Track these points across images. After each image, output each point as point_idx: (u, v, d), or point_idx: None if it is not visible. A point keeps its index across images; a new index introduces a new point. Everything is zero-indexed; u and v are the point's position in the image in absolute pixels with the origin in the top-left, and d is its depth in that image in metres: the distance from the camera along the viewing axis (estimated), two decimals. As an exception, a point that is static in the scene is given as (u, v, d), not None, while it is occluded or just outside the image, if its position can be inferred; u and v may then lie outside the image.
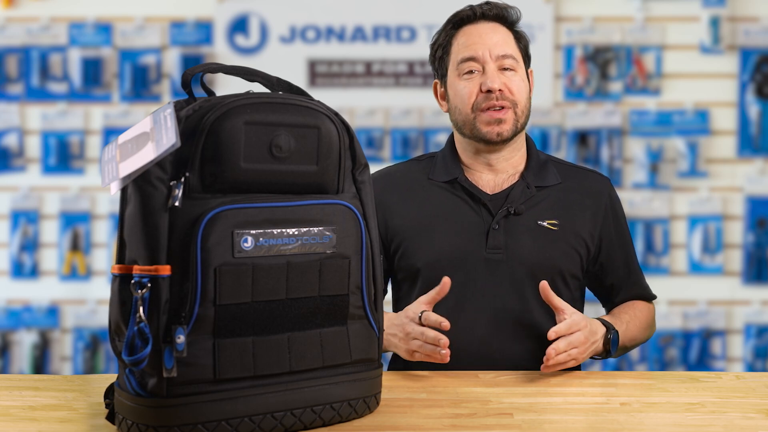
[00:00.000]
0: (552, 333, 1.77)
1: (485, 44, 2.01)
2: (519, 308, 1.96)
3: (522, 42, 2.07)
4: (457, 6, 2.11)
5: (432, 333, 1.77)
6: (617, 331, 1.90)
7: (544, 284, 1.83)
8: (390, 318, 1.89)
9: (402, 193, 2.08)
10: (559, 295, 2.02)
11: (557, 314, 1.82)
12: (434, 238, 2.01)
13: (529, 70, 2.09)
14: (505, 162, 2.07)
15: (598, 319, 1.91)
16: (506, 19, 2.05)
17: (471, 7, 2.07)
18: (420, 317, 1.80)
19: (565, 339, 1.77)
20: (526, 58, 2.08)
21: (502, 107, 1.99)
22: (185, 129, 1.34)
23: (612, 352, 1.88)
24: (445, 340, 1.75)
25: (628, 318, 2.01)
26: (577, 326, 1.79)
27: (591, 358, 1.88)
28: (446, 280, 1.83)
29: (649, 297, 2.12)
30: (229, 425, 1.34)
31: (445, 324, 1.76)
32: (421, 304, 1.83)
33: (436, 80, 2.12)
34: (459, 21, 2.06)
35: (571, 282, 2.04)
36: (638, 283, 2.11)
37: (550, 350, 1.74)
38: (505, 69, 2.01)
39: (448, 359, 1.76)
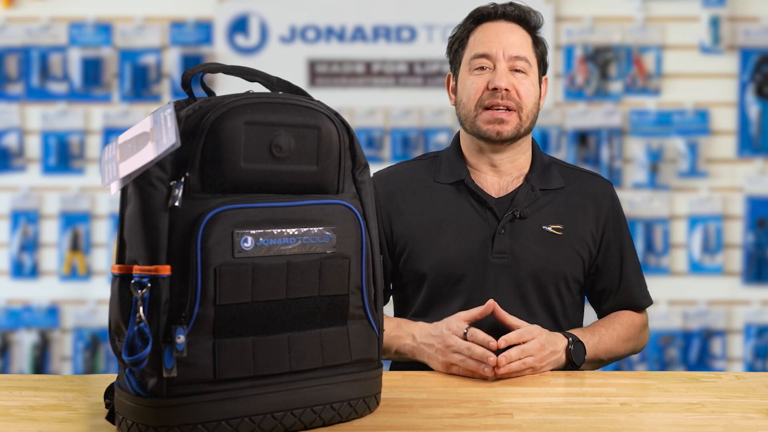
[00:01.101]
0: (501, 341, 1.77)
1: (500, 43, 2.01)
2: (523, 313, 1.95)
3: (539, 48, 2.06)
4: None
5: (480, 350, 1.76)
6: (582, 343, 1.89)
7: (492, 304, 1.84)
8: (424, 328, 1.88)
9: (407, 194, 2.07)
10: (561, 299, 2.02)
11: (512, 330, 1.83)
12: (440, 241, 2.00)
13: (543, 78, 2.09)
14: (510, 164, 2.06)
15: (564, 332, 1.90)
16: (527, 22, 2.04)
17: (494, 4, 2.06)
18: (465, 333, 1.80)
19: (518, 347, 1.77)
20: (542, 65, 2.07)
21: (507, 108, 1.99)
22: (185, 129, 1.34)
23: (576, 363, 1.87)
24: (493, 358, 1.74)
25: (604, 330, 1.98)
26: (530, 335, 1.79)
27: (561, 370, 1.87)
28: (491, 303, 1.84)
29: (638, 306, 2.08)
30: (229, 425, 1.34)
31: (493, 343, 1.76)
32: (461, 321, 1.83)
33: (450, 73, 2.12)
34: (480, 17, 2.06)
35: (573, 286, 2.04)
36: (629, 291, 2.07)
37: (501, 358, 1.74)
38: (517, 71, 2.00)
39: (492, 376, 1.76)
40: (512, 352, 1.76)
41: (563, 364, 1.86)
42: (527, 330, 1.81)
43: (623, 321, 2.04)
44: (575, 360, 1.86)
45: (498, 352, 1.76)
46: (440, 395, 1.64)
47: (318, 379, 1.41)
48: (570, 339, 1.87)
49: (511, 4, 2.06)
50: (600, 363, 1.99)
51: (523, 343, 1.78)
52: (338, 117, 1.45)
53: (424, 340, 1.86)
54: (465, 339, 1.79)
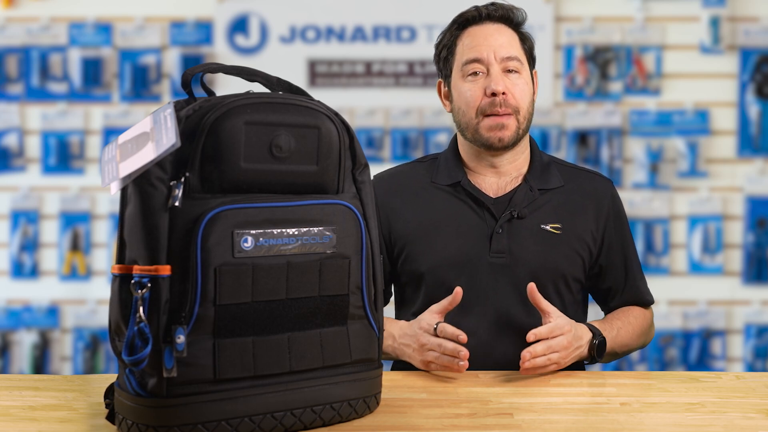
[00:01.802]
0: (531, 335, 1.76)
1: (490, 46, 2.00)
2: (522, 312, 1.95)
3: (527, 43, 2.06)
4: (457, 6, 2.11)
5: (450, 345, 1.76)
6: (604, 338, 1.89)
7: (531, 286, 1.83)
8: (402, 327, 1.89)
9: (406, 196, 2.07)
10: (561, 298, 2.02)
11: (543, 317, 1.83)
12: (438, 242, 2.00)
13: (533, 71, 2.09)
14: (509, 164, 2.06)
15: (586, 324, 1.90)
16: (512, 20, 2.04)
17: (476, 7, 2.05)
18: (435, 329, 1.80)
19: (544, 342, 1.77)
20: (531, 60, 2.07)
21: (506, 113, 1.99)
22: (185, 129, 1.34)
23: (597, 358, 1.87)
24: (465, 352, 1.75)
25: (621, 324, 1.99)
26: (560, 330, 1.79)
27: (577, 363, 1.88)
28: (458, 290, 1.84)
29: (645, 303, 2.10)
30: (229, 425, 1.34)
31: (462, 337, 1.76)
32: (433, 315, 1.83)
33: (440, 80, 2.12)
34: (464, 22, 2.05)
35: (573, 285, 2.04)
36: (635, 288, 2.08)
37: (525, 353, 1.74)
38: (510, 71, 2.00)
39: (465, 370, 1.76)
40: (538, 347, 1.76)
41: (584, 357, 1.87)
42: (558, 325, 1.80)
43: (637, 315, 2.05)
44: (597, 356, 1.87)
45: (526, 345, 1.76)
46: (440, 395, 1.64)
47: (318, 379, 1.41)
48: (594, 333, 1.88)
49: (492, 4, 2.05)
50: (614, 356, 1.99)
51: (552, 338, 1.78)
52: (338, 117, 1.45)
53: (402, 340, 1.87)
54: (436, 335, 1.79)
